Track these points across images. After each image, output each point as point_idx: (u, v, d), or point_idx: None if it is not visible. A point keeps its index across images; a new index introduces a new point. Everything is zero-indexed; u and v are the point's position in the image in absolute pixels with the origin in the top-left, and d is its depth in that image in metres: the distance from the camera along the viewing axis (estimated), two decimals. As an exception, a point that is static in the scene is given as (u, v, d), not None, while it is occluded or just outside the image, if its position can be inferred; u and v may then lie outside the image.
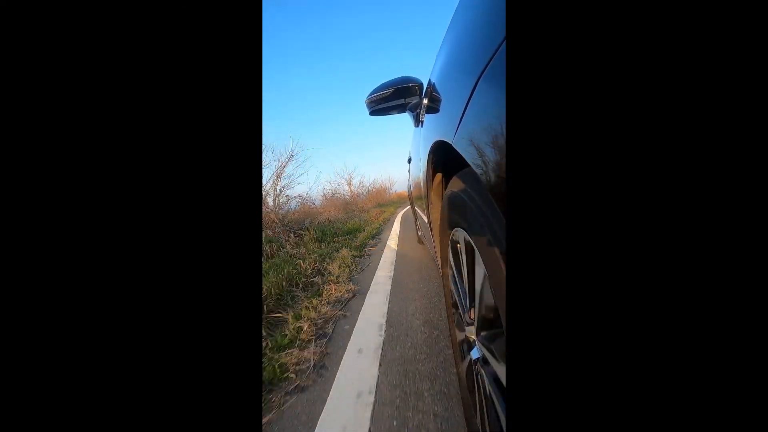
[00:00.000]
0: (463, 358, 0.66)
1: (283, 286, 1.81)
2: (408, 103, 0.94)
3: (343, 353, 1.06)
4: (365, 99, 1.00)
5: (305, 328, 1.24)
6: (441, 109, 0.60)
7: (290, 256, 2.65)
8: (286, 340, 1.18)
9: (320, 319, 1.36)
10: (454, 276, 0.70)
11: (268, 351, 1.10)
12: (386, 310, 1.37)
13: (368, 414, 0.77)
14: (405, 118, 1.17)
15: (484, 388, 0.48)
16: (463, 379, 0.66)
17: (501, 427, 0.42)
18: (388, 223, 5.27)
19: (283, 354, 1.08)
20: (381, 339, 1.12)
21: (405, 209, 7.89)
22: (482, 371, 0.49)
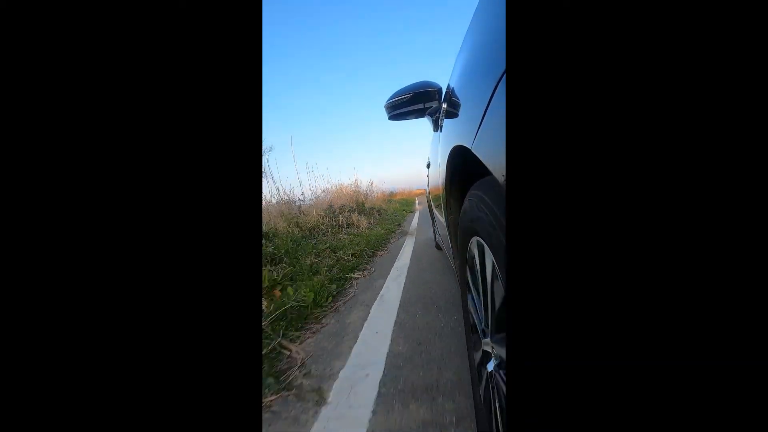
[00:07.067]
0: (480, 376, 0.63)
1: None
2: (427, 108, 0.94)
3: (414, 214, 6.61)
4: (384, 104, 1.00)
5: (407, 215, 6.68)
6: (460, 113, 0.59)
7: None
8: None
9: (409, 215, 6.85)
10: (470, 286, 0.68)
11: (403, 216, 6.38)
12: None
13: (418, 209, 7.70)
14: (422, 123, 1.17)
15: (502, 405, 0.46)
16: (480, 396, 0.63)
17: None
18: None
19: (406, 215, 6.50)
20: (419, 209, 7.52)
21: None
22: (502, 388, 0.47)
